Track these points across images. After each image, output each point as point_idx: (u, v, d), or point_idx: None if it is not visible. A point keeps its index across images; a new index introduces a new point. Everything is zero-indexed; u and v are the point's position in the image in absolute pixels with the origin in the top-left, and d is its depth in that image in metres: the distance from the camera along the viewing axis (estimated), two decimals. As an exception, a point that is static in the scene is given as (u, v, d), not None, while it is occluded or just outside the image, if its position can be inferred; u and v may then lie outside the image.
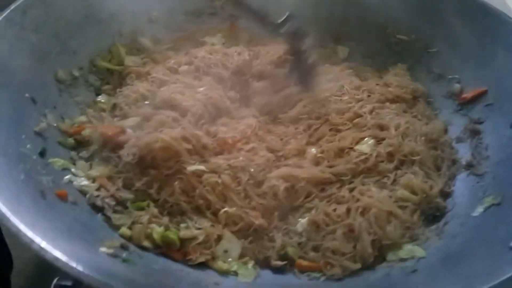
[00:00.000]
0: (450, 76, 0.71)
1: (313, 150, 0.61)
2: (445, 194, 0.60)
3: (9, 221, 0.38)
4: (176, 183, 0.55)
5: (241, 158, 0.58)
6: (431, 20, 0.74)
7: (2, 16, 0.57)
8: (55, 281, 1.34)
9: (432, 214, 0.57)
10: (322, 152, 0.61)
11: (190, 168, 0.56)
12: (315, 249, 0.53)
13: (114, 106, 0.66)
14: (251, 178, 0.57)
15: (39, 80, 0.60)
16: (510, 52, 0.63)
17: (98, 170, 0.58)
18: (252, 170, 0.57)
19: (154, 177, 0.56)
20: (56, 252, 0.37)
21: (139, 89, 0.67)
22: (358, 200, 0.56)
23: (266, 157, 0.59)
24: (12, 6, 0.58)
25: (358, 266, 0.51)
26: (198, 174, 0.56)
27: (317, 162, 0.60)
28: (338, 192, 0.57)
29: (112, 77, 0.72)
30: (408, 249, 0.53)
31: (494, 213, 0.50)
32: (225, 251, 0.52)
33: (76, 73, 0.67)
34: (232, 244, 0.53)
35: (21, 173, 0.48)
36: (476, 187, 0.57)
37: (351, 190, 0.57)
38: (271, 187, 0.56)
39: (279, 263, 0.52)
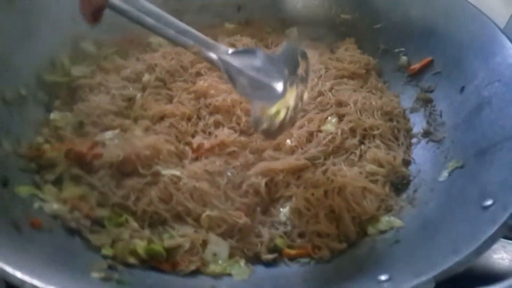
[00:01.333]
0: (396, 50, 0.75)
1: (288, 142, 0.62)
2: (407, 163, 0.63)
3: (-4, 268, 0.36)
4: (152, 192, 0.54)
5: (217, 163, 0.58)
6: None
7: None
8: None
9: (400, 183, 0.61)
10: (295, 140, 0.62)
11: (166, 172, 0.55)
12: (301, 235, 0.55)
13: (81, 124, 0.63)
14: (230, 181, 0.57)
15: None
16: (450, 20, 0.67)
17: (69, 191, 0.55)
18: (229, 174, 0.57)
19: (131, 188, 0.55)
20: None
21: (101, 105, 0.64)
22: (332, 181, 0.57)
23: (246, 159, 0.60)
24: None
25: (344, 246, 0.53)
26: (175, 181, 0.55)
27: (292, 151, 0.62)
28: (313, 176, 0.59)
29: (61, 91, 0.68)
30: (386, 221, 0.55)
31: (460, 176, 0.54)
32: (214, 255, 0.52)
33: (24, 92, 0.62)
34: (219, 247, 0.53)
35: (-12, 211, 0.45)
36: (437, 153, 0.61)
37: (324, 172, 0.59)
38: (251, 185, 0.57)
39: (270, 256, 0.53)
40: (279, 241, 0.54)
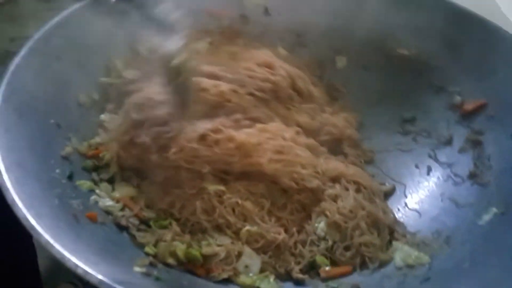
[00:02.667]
0: (451, 89, 0.75)
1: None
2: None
3: (54, 248, 0.41)
4: (197, 202, 0.58)
5: (260, 185, 0.60)
6: (431, 35, 0.77)
7: (26, 46, 0.59)
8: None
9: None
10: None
11: (211, 187, 0.59)
12: (347, 248, 0.57)
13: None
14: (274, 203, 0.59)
15: (62, 105, 0.62)
16: (510, 66, 0.66)
17: (120, 191, 0.60)
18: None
19: (177, 196, 0.59)
20: (100, 276, 0.39)
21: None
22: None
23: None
24: (36, 36, 0.61)
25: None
26: (219, 195, 0.58)
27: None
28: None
29: (113, 93, 0.71)
30: (415, 256, 0.56)
31: (500, 222, 0.54)
32: (246, 266, 0.55)
33: (96, 97, 0.69)
34: (252, 260, 0.55)
35: (55, 198, 0.50)
36: (481, 196, 0.61)
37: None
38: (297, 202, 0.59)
39: (300, 275, 0.55)
40: (319, 259, 0.56)
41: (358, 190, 0.63)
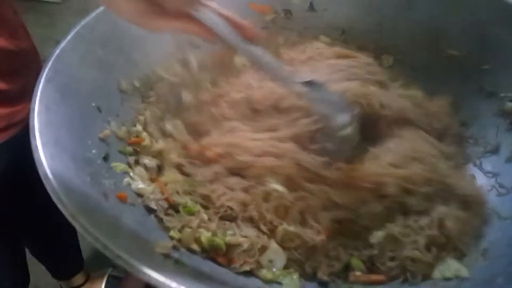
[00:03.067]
0: (502, 94, 0.70)
1: None
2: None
3: (77, 221, 0.43)
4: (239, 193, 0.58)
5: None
6: (484, 37, 0.73)
7: (73, 32, 0.63)
8: (109, 271, 1.44)
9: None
10: None
11: (272, 185, 0.58)
12: (392, 258, 0.54)
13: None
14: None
15: (104, 90, 0.65)
16: None
17: (168, 176, 0.62)
18: None
19: (225, 185, 0.59)
20: (120, 251, 0.41)
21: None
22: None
23: None
24: (83, 22, 0.64)
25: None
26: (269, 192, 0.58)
27: None
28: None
29: (162, 88, 0.72)
30: (454, 268, 0.53)
31: (543, 238, 0.49)
32: (270, 261, 0.54)
33: (137, 84, 0.71)
34: (277, 255, 0.54)
35: (87, 176, 0.53)
36: (524, 210, 0.57)
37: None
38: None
39: (325, 277, 0.53)
40: (355, 261, 0.54)
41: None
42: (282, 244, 0.55)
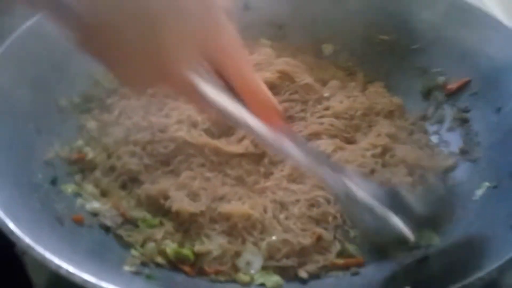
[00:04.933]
0: (434, 70, 0.74)
1: None
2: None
3: (34, 250, 0.39)
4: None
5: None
6: (411, 20, 0.77)
7: (0, 50, 0.58)
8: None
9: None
10: None
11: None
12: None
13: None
14: None
15: (42, 110, 0.61)
16: (488, 43, 0.67)
17: (113, 194, 0.59)
18: None
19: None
20: (85, 275, 0.38)
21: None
22: None
23: None
24: (8, 40, 0.60)
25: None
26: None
27: None
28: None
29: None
30: (428, 235, 0.53)
31: (492, 196, 0.53)
32: (248, 263, 0.52)
33: (77, 100, 0.68)
34: (254, 257, 0.53)
35: (36, 203, 0.49)
36: (473, 172, 0.60)
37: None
38: None
39: (305, 274, 0.52)
40: (351, 248, 0.54)
41: None
42: (270, 256, 0.53)
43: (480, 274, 0.38)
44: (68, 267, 0.38)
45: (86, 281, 0.37)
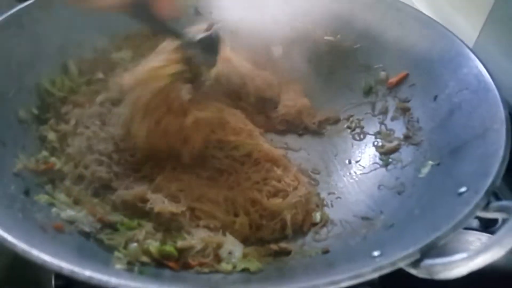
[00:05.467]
0: (376, 66, 0.82)
1: None
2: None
3: (33, 255, 0.40)
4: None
5: None
6: (353, 21, 0.85)
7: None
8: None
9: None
10: None
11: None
12: None
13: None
14: None
15: (3, 123, 0.61)
16: (422, 39, 0.75)
17: (87, 201, 0.60)
18: None
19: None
20: (88, 272, 0.39)
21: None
22: None
23: None
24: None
25: None
26: None
27: None
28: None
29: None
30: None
31: (437, 172, 0.60)
32: (230, 253, 0.56)
33: (36, 111, 0.67)
34: (235, 246, 0.57)
35: (18, 213, 0.49)
36: (417, 154, 0.68)
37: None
38: None
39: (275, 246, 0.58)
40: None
41: None
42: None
43: (438, 234, 0.44)
44: (70, 266, 0.39)
45: (91, 277, 0.39)
